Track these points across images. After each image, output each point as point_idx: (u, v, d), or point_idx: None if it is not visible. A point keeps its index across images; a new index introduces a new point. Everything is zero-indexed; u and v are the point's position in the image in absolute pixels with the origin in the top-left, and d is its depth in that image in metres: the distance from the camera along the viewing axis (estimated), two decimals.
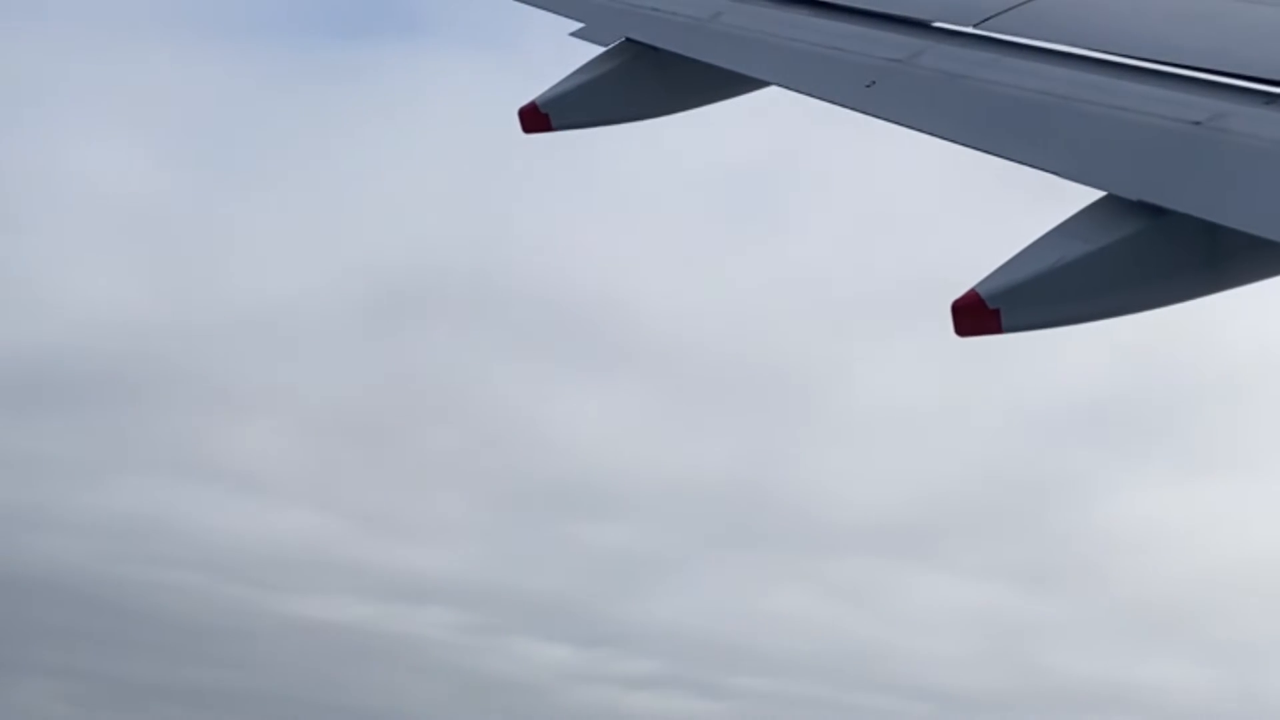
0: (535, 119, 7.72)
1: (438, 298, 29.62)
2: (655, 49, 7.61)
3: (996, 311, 5.23)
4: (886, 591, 28.71)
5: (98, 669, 27.81)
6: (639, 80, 7.69)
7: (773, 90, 7.10)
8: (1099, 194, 5.37)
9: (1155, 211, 5.21)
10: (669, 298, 28.95)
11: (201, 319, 29.38)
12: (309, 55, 31.14)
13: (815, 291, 28.53)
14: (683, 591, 28.56)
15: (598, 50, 7.83)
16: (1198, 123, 5.39)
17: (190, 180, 30.54)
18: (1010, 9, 6.55)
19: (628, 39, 7.75)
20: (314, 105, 30.61)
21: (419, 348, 29.44)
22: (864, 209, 27.95)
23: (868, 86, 6.45)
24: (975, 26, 6.55)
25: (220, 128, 30.67)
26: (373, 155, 30.15)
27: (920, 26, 6.76)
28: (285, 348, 29.44)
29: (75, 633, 27.72)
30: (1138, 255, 5.24)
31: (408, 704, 28.03)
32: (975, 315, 5.23)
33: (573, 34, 8.05)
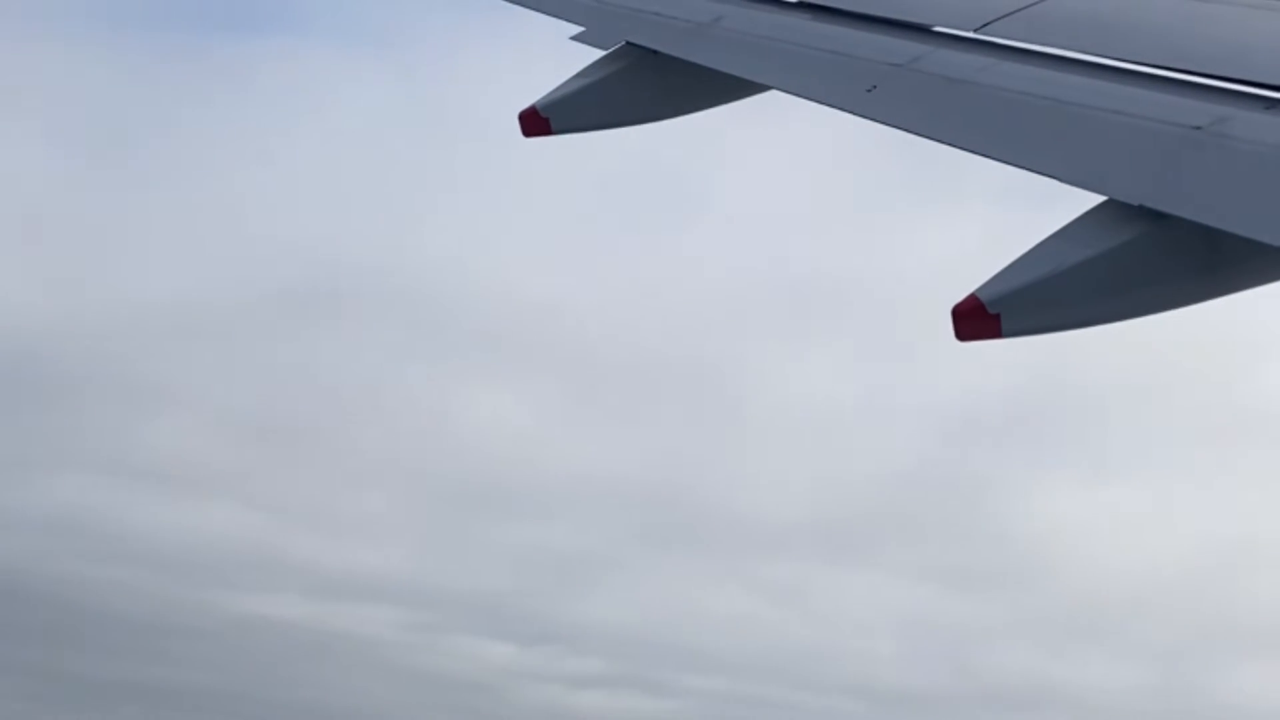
0: (535, 122, 7.72)
1: (341, 296, 29.63)
2: (656, 53, 7.60)
3: (997, 316, 5.23)
4: (819, 591, 29.05)
5: (51, 666, 27.80)
6: (639, 84, 7.69)
7: (773, 94, 7.10)
8: (1099, 199, 5.37)
9: (1155, 216, 5.21)
10: (580, 296, 29.16)
11: (91, 317, 29.26)
12: (183, 48, 31.08)
13: (754, 292, 28.70)
14: (618, 591, 28.84)
15: (598, 54, 7.83)
16: (1198, 127, 5.39)
17: (76, 175, 30.39)
18: (1011, 13, 6.55)
19: (628, 43, 7.75)
20: (194, 95, 30.61)
21: (325, 346, 29.51)
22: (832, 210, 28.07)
23: (868, 91, 6.45)
24: (975, 31, 6.55)
25: (106, 122, 30.52)
26: (274, 152, 30.17)
27: (921, 31, 6.76)
28: (188, 345, 29.45)
29: (21, 629, 27.69)
30: (1138, 260, 5.24)
31: (361, 701, 28.22)
32: (975, 320, 5.23)
33: (573, 38, 8.05)
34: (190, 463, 29.17)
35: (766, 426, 28.66)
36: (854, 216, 27.84)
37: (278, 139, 30.11)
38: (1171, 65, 5.84)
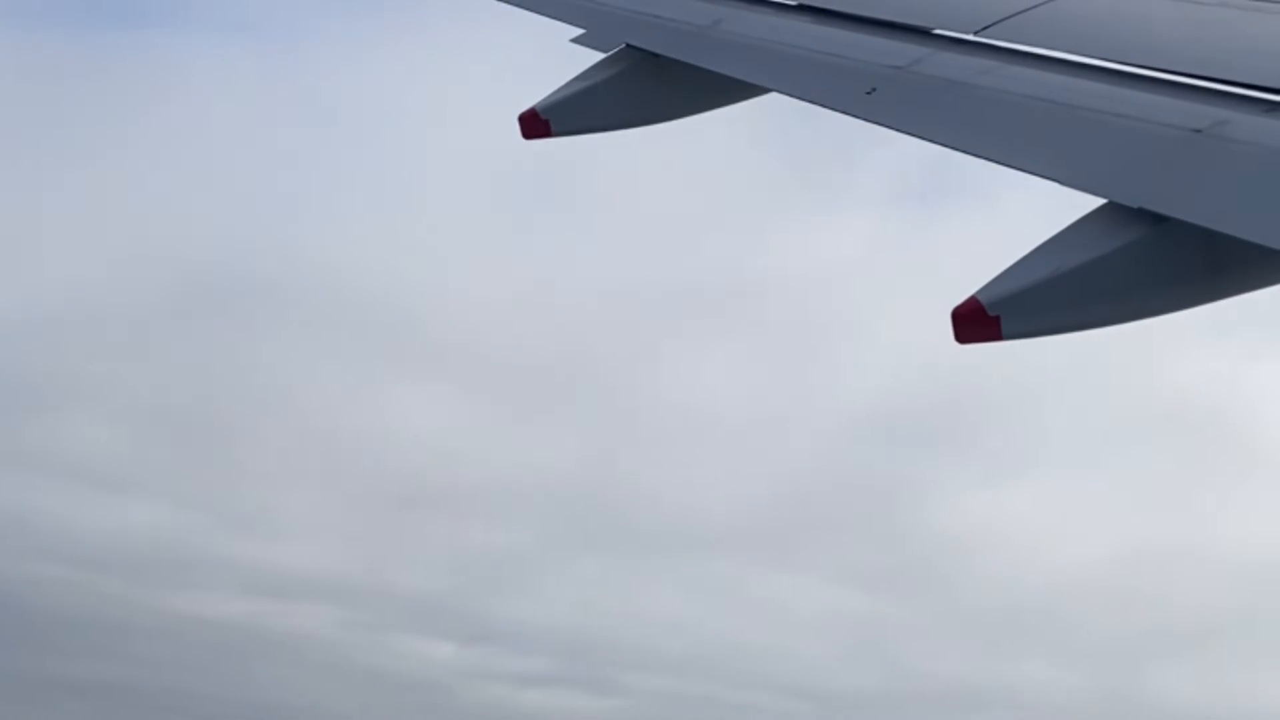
0: (535, 125, 7.72)
1: (246, 292, 29.49)
2: (656, 55, 7.61)
3: (997, 319, 5.23)
4: (749, 591, 29.11)
5: None
6: (639, 87, 7.69)
7: (773, 97, 7.10)
8: (1100, 201, 5.37)
9: (1156, 219, 5.21)
10: (466, 294, 29.17)
11: None
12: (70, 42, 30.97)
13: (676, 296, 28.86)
14: (549, 590, 28.88)
15: (598, 56, 7.84)
16: (1198, 130, 5.39)
17: None
18: (1011, 16, 6.55)
19: (628, 45, 7.75)
20: (94, 92, 30.60)
21: (229, 343, 29.39)
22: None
23: (868, 93, 6.45)
24: (976, 33, 6.55)
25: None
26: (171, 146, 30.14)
27: (921, 33, 6.76)
28: (94, 341, 29.22)
29: None
30: (1138, 263, 5.24)
31: (313, 699, 28.23)
32: (975, 323, 5.23)
33: (573, 40, 8.05)
34: (116, 460, 29.14)
35: (687, 428, 28.98)
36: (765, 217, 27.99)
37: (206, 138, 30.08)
38: (1171, 68, 5.84)
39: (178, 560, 28.56)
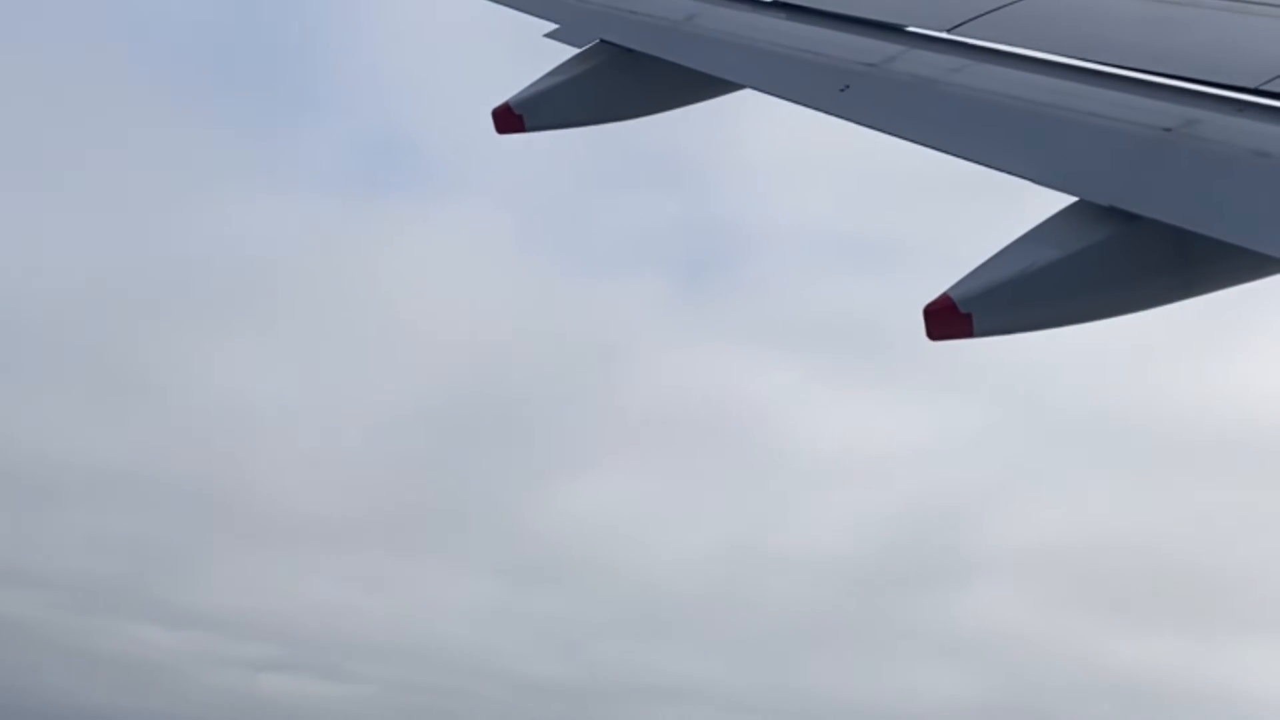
0: (508, 120, 7.72)
1: None
2: (629, 51, 7.62)
3: (968, 316, 5.26)
4: (408, 584, 29.50)
5: None
6: (613, 82, 7.70)
7: (746, 93, 7.12)
8: (1070, 199, 5.40)
9: (1126, 217, 5.24)
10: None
11: None
12: None
13: None
14: (214, 577, 29.15)
15: (572, 51, 7.84)
16: (1168, 129, 5.42)
17: None
18: (983, 14, 6.57)
19: (602, 40, 7.76)
20: None
21: None
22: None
23: (841, 90, 6.47)
24: (949, 32, 6.57)
25: None
26: None
27: (894, 31, 6.79)
28: None
29: None
30: (1109, 261, 5.27)
31: (45, 682, 28.30)
32: (947, 320, 5.26)
33: (547, 35, 8.05)
34: None
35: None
36: None
37: None
38: (1142, 67, 5.87)
39: None
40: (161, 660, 28.82)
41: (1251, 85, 5.44)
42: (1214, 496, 26.49)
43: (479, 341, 29.19)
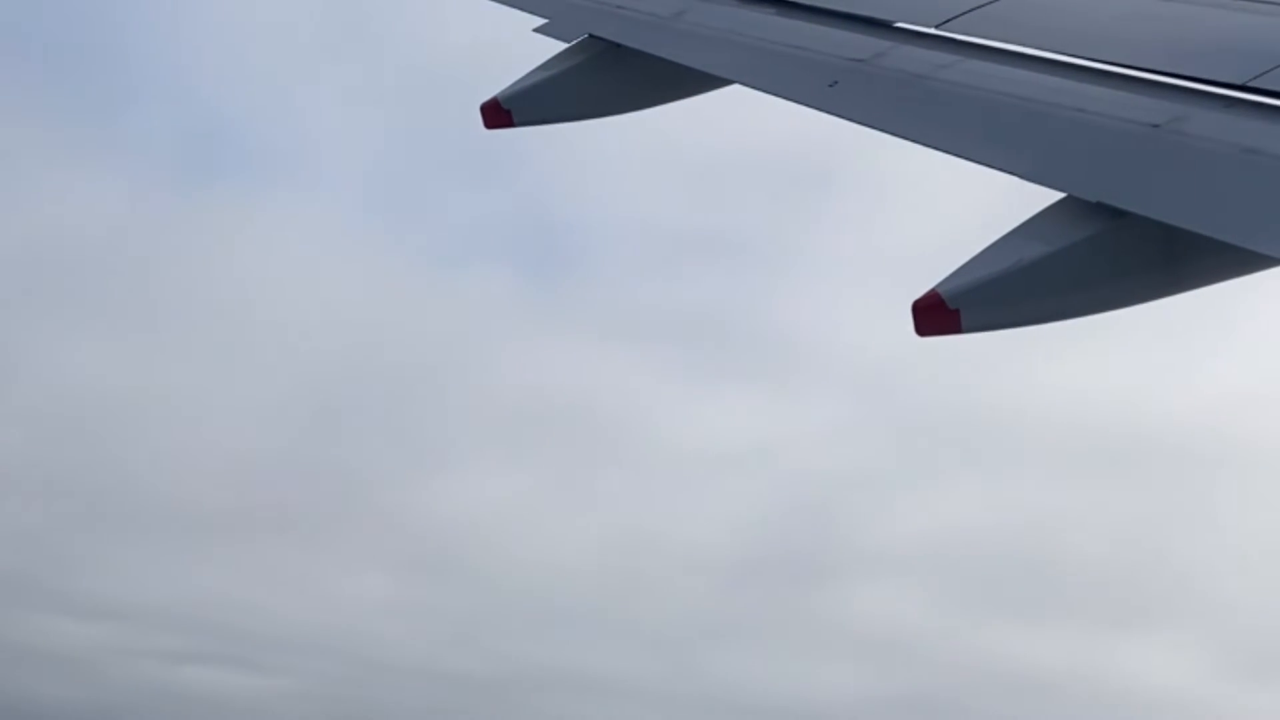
0: (497, 115, 7.72)
1: None
2: (618, 45, 7.61)
3: (956, 312, 5.26)
4: (301, 577, 29.15)
5: None
6: (602, 77, 7.70)
7: (735, 89, 7.12)
8: (1058, 195, 5.41)
9: (1114, 213, 5.25)
10: None
11: None
12: None
13: None
14: (108, 569, 28.82)
15: (561, 46, 7.84)
16: (1156, 125, 5.43)
17: None
18: (972, 10, 6.58)
19: (591, 35, 7.76)
20: None
21: None
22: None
23: (830, 86, 6.47)
24: (937, 27, 6.58)
25: None
26: None
27: (882, 27, 6.79)
28: None
29: None
30: (1097, 256, 5.28)
31: None
32: (935, 315, 5.27)
33: (536, 29, 8.05)
34: None
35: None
36: None
37: None
38: (1130, 63, 5.88)
39: None
40: (79, 653, 28.48)
41: (1239, 82, 5.45)
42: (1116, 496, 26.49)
43: (332, 335, 29.05)
